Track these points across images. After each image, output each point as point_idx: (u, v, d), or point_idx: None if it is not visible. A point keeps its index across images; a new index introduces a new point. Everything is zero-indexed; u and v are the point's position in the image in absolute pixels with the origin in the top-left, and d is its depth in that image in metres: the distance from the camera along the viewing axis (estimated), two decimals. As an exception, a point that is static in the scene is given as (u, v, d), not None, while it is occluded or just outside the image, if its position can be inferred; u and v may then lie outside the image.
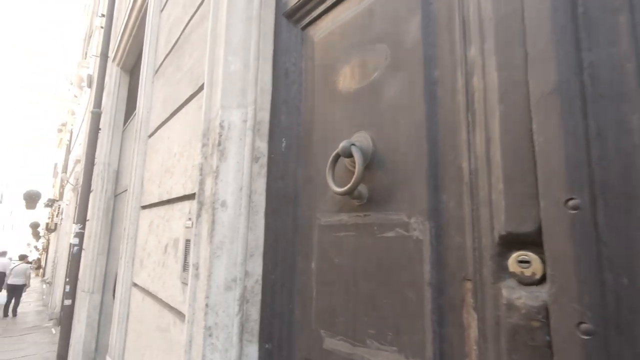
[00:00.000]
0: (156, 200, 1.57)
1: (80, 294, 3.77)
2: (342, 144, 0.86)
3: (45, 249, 23.13)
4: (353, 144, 0.84)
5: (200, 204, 1.12)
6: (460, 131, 0.70)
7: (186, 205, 1.24)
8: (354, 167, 0.83)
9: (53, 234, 11.62)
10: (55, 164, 33.00)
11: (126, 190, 3.78)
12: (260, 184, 1.09)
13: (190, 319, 1.06)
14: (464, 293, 0.66)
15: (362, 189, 0.87)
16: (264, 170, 1.10)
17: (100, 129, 4.42)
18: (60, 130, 31.10)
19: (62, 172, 8.48)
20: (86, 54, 10.09)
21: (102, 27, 7.80)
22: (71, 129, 13.65)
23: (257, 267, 1.07)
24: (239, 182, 1.07)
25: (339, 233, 0.95)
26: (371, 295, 0.82)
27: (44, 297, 11.81)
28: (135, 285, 1.75)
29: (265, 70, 1.16)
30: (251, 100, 1.14)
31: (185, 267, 1.14)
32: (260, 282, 1.08)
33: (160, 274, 1.38)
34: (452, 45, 0.74)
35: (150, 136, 1.86)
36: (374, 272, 0.84)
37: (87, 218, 4.20)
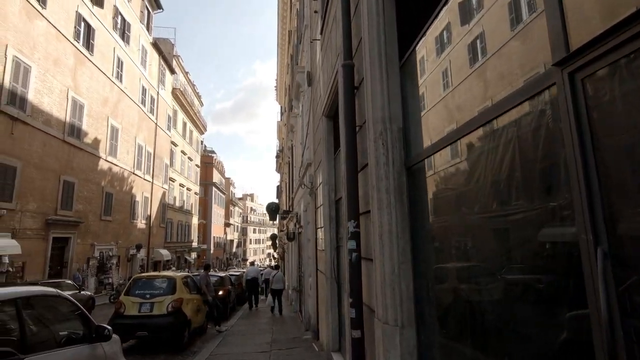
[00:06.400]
0: None
1: (379, 327, 2.39)
2: None
3: (282, 257, 26.88)
4: None
5: None
6: None
7: None
8: None
9: (292, 242, 12.38)
10: (278, 186, 39.20)
11: (427, 157, 2.20)
12: None
13: None
14: None
15: None
16: None
17: (357, 87, 3.16)
18: (277, 156, 36.78)
19: (300, 177, 8.29)
20: (298, 62, 10.19)
21: (315, 12, 7.28)
22: (291, 145, 14.71)
23: None
24: None
25: None
26: None
27: (293, 302, 12.70)
28: None
29: None
30: None
31: None
32: None
33: None
34: None
35: None
36: None
37: (363, 210, 2.90)
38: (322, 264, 6.25)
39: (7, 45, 13.04)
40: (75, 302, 2.99)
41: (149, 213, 26.35)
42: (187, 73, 37.34)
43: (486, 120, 1.49)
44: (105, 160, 20.01)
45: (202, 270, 9.71)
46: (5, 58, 12.99)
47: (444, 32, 2.02)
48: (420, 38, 2.25)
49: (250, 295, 13.41)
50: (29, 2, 14.10)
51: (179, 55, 34.37)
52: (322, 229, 6.03)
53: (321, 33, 5.96)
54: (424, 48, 2.28)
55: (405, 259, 2.33)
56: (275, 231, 36.19)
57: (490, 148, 1.50)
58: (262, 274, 15.06)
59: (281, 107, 29.23)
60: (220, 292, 10.85)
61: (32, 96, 14.24)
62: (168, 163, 30.54)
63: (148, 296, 6.87)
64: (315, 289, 7.02)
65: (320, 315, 6.44)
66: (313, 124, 7.24)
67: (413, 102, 2.45)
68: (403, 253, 2.34)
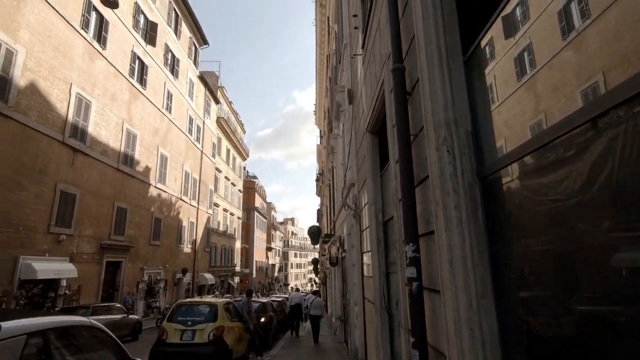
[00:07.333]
0: None
1: (454, 377, 1.90)
2: None
3: (324, 282, 26.21)
4: None
5: None
6: None
7: None
8: None
9: (335, 267, 11.90)
10: (318, 210, 38.98)
11: (504, 167, 1.76)
12: None
13: None
14: None
15: None
16: None
17: (409, 93, 2.82)
18: (317, 179, 36.79)
19: (342, 199, 7.96)
20: (337, 82, 10.08)
21: (355, 28, 7.13)
22: (331, 166, 14.48)
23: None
24: None
25: None
26: None
27: (337, 332, 12.06)
28: None
29: None
30: None
31: None
32: None
33: None
34: None
35: None
36: None
37: (424, 231, 2.48)
38: (369, 292, 5.75)
39: (71, 84, 14.29)
40: (109, 332, 2.79)
41: (194, 238, 27.10)
42: (230, 103, 39.11)
43: (620, 99, 1.07)
44: (155, 187, 20.99)
45: (244, 296, 9.49)
46: (70, 95, 14.21)
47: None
48: (494, 20, 1.88)
49: (293, 321, 13.12)
50: (91, 44, 15.50)
51: (223, 87, 36.18)
52: (369, 253, 5.57)
53: (362, 47, 5.75)
54: (500, 28, 1.90)
55: (486, 291, 1.87)
56: (316, 255, 35.70)
57: (626, 136, 1.07)
58: (304, 299, 14.72)
59: (320, 130, 29.46)
60: (263, 319, 10.53)
61: (91, 129, 15.37)
62: (212, 189, 31.56)
63: (190, 323, 6.71)
64: (362, 319, 6.48)
65: (369, 349, 5.87)
66: (355, 142, 6.94)
67: (484, 100, 2.05)
68: (482, 284, 1.88)
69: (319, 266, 24.65)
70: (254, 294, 19.59)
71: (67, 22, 14.06)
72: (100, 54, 16.13)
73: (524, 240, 1.70)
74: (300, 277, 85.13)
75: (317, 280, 38.99)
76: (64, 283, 13.28)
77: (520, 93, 1.70)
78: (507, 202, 1.84)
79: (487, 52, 2.02)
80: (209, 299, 8.68)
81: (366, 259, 6.03)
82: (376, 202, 5.13)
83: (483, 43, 2.03)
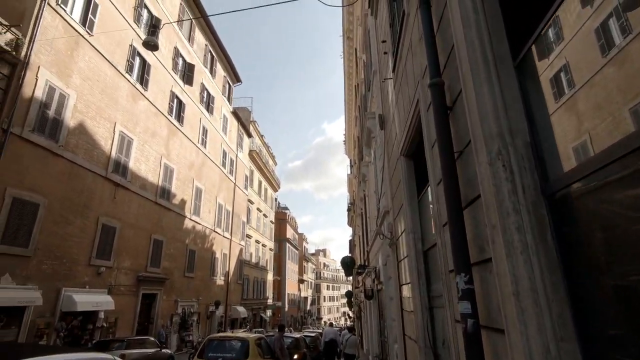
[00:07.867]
0: None
1: None
2: None
3: (358, 316, 25.09)
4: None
5: None
6: None
7: None
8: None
9: (371, 301, 11.31)
10: (350, 240, 38.20)
11: (579, 180, 1.46)
12: None
13: None
14: None
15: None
16: None
17: (450, 107, 2.62)
18: (348, 209, 36.31)
19: (377, 227, 7.65)
20: (367, 109, 10.01)
21: (385, 53, 7.10)
22: (363, 195, 14.19)
23: None
24: None
25: None
26: None
27: (375, 372, 11.29)
28: None
29: None
30: None
31: None
32: None
33: None
34: None
35: None
36: None
37: (477, 259, 2.17)
38: (410, 329, 5.27)
39: (115, 123, 15.24)
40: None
41: (227, 269, 27.15)
42: (262, 136, 40.27)
43: None
44: (190, 219, 21.46)
45: (277, 331, 9.13)
46: (114, 133, 15.11)
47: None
48: (551, 17, 1.66)
49: (328, 358, 12.45)
50: (134, 86, 16.62)
51: (255, 121, 37.47)
52: (408, 285, 5.16)
53: (393, 71, 5.65)
54: (559, 22, 1.68)
55: (567, 332, 1.53)
56: (349, 287, 34.54)
57: None
58: (339, 334, 14.04)
59: (350, 160, 29.40)
60: (295, 357, 10.04)
61: (132, 164, 16.15)
62: (245, 220, 31.90)
63: (221, 359, 6.44)
64: (403, 359, 5.93)
65: (413, 394, 5.29)
66: (389, 168, 6.70)
67: (544, 106, 1.80)
68: (560, 322, 1.55)
69: (352, 299, 23.71)
70: (286, 329, 18.99)
71: (114, 67, 15.23)
72: (142, 94, 17.23)
73: (617, 267, 1.38)
74: (334, 311, 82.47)
75: (350, 314, 37.45)
76: (101, 315, 13.50)
77: (594, 88, 1.45)
78: (586, 222, 1.54)
79: (545, 51, 1.79)
80: (240, 333, 8.39)
81: (405, 291, 5.60)
82: (415, 230, 4.80)
83: (538, 42, 1.81)
